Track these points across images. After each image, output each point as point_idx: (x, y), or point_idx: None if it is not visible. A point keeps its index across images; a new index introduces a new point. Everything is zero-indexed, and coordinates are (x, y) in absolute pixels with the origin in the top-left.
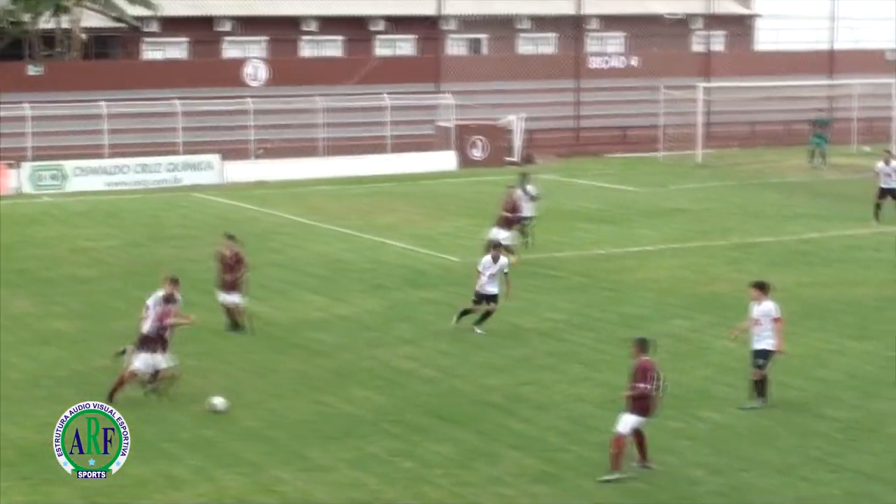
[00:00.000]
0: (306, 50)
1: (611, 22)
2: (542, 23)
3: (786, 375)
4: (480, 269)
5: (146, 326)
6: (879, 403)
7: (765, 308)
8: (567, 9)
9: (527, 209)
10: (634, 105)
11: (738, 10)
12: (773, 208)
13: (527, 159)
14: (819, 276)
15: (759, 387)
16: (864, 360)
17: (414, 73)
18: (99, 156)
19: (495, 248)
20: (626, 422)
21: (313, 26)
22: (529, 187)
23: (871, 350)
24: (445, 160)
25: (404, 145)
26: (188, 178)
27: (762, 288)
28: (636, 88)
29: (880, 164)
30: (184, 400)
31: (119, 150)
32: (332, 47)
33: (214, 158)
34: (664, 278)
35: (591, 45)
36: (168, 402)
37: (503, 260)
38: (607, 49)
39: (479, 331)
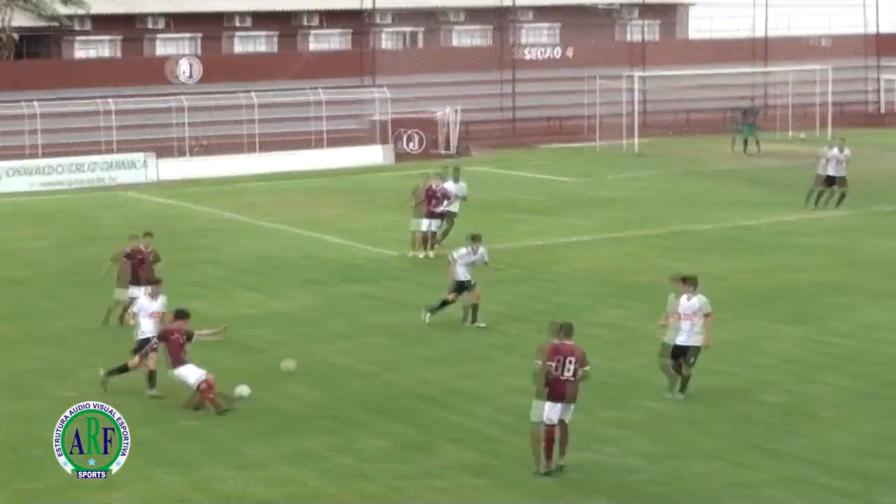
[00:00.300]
0: (238, 46)
1: (543, 13)
2: (475, 15)
3: (721, 362)
4: (456, 257)
5: (143, 333)
6: (815, 388)
7: (695, 303)
8: (499, 0)
9: (454, 204)
10: (569, 95)
11: None
12: (708, 196)
13: (462, 152)
14: (753, 263)
15: (685, 381)
16: (799, 344)
17: (347, 67)
18: (31, 156)
19: (474, 239)
20: (542, 410)
21: (244, 22)
22: (460, 184)
23: (804, 335)
24: (380, 154)
25: (338, 140)
26: (121, 176)
27: (692, 282)
28: (570, 79)
29: (833, 150)
30: (118, 399)
31: (51, 150)
32: (263, 43)
33: (147, 156)
34: (601, 268)
35: (524, 36)
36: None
37: (482, 250)
38: (541, 40)
39: (428, 320)
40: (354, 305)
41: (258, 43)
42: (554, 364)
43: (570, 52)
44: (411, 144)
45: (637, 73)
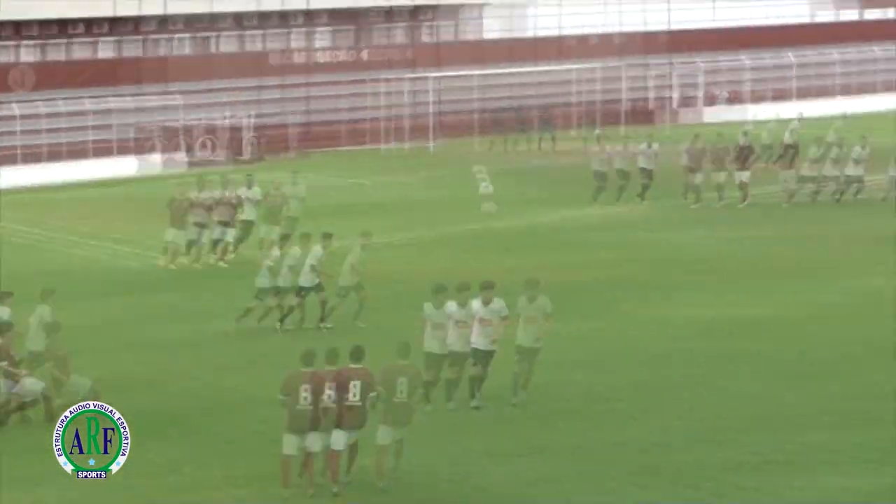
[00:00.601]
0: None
1: (337, 16)
2: (268, 19)
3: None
4: (315, 262)
5: None
6: (611, 382)
7: (495, 307)
8: (294, 3)
9: (249, 211)
10: (363, 98)
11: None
12: (502, 195)
13: (255, 158)
14: (547, 260)
15: (480, 384)
16: (595, 341)
17: (140, 73)
18: None
19: (326, 237)
20: (291, 442)
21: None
22: (254, 189)
23: (600, 331)
24: (175, 161)
25: (128, 148)
26: None
27: (490, 287)
28: (365, 81)
29: (642, 146)
30: None
31: None
32: (48, 51)
33: None
34: (395, 271)
35: (318, 39)
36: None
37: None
38: (335, 43)
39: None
40: (151, 315)
41: (37, 52)
42: (316, 392)
43: (364, 55)
44: (205, 151)
45: (433, 74)
